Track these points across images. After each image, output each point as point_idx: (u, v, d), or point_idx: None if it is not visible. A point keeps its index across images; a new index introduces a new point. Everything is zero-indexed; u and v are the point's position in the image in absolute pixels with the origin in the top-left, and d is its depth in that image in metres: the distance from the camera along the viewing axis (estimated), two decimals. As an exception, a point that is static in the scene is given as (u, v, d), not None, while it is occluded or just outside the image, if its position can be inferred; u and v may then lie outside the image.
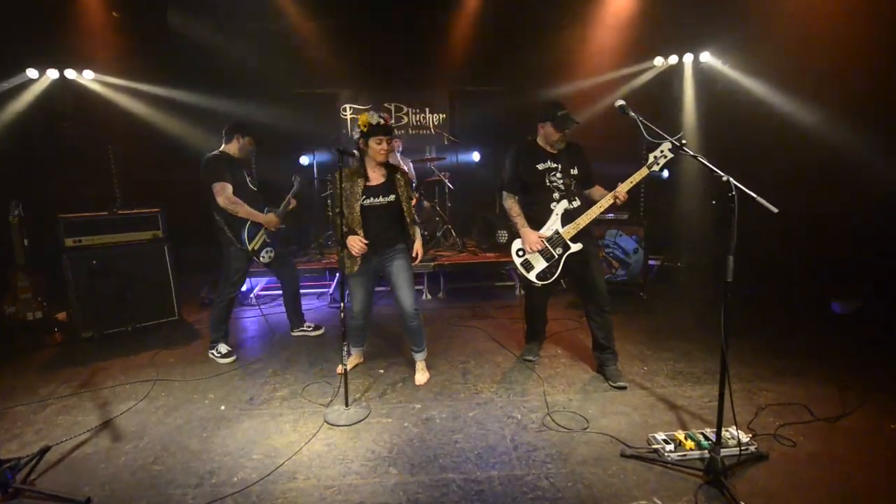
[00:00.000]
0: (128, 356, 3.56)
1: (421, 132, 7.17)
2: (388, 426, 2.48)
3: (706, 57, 5.46)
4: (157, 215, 4.21)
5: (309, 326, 3.90)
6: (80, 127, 5.54)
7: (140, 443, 2.39)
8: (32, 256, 4.15)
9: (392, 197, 2.79)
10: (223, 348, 3.45)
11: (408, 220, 2.85)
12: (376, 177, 2.81)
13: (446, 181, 5.83)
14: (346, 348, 2.60)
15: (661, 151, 2.51)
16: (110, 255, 3.92)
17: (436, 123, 7.09)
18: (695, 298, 4.63)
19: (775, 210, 1.69)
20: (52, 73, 5.32)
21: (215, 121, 6.18)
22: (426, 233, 5.66)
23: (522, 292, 5.12)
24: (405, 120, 7.15)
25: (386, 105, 7.07)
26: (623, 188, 2.60)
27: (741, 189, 1.74)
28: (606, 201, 2.65)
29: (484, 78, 6.84)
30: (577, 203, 2.78)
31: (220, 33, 5.80)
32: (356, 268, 2.82)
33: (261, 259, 3.39)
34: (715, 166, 1.79)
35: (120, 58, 5.56)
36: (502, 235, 5.42)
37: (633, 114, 2.09)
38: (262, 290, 5.34)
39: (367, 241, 2.71)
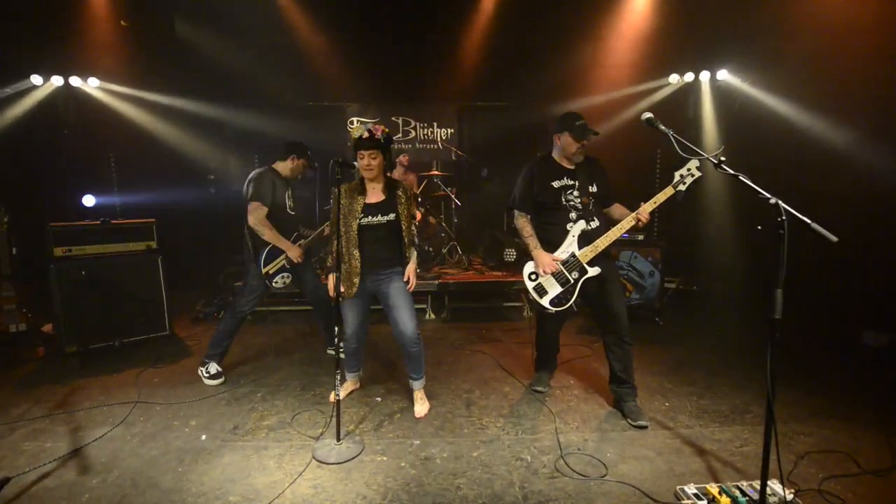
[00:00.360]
0: (111, 374, 3.35)
1: (428, 147, 7.04)
2: (383, 466, 2.24)
3: (724, 74, 5.30)
4: (151, 226, 4.05)
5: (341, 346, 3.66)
6: (83, 135, 5.46)
7: (108, 477, 2.16)
8: (24, 266, 4.01)
9: (392, 216, 2.59)
10: (213, 368, 3.24)
11: (405, 240, 2.65)
12: (376, 193, 2.62)
13: (453, 197, 5.66)
14: (339, 376, 2.37)
15: (689, 170, 2.31)
16: (101, 265, 3.75)
17: (443, 138, 6.96)
18: (714, 325, 4.37)
19: (834, 239, 1.47)
20: (57, 80, 5.25)
21: (221, 131, 6.14)
22: (430, 249, 5.47)
23: (531, 314, 4.90)
24: (412, 134, 7.04)
25: (393, 119, 6.97)
26: (646, 208, 2.39)
27: (792, 214, 1.52)
28: (627, 222, 2.44)
29: (493, 93, 6.73)
30: (595, 223, 2.57)
31: (229, 44, 5.74)
32: (353, 290, 2.62)
33: (273, 284, 3.20)
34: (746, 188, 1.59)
35: (126, 66, 5.49)
36: (510, 254, 5.21)
37: (662, 127, 1.89)
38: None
39: (340, 294, 2.52)
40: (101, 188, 5.61)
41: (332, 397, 2.75)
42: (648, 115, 2.00)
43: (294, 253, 3.16)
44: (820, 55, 4.04)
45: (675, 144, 1.74)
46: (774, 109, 4.57)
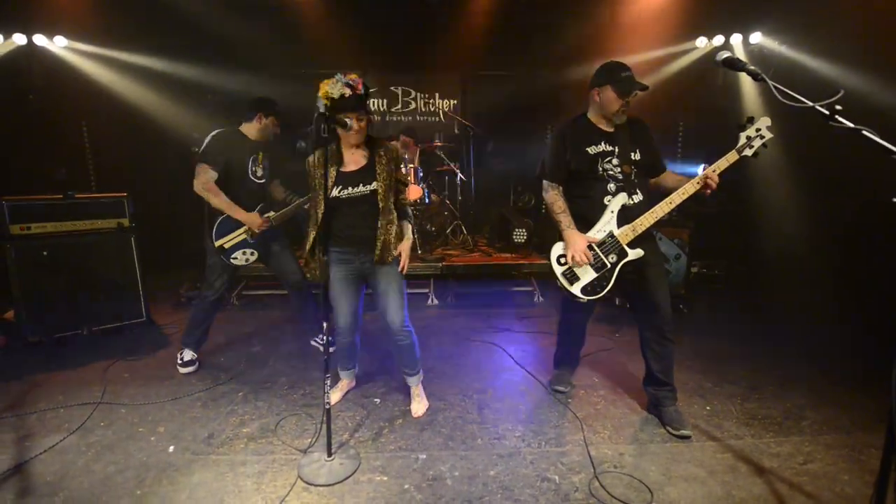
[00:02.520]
0: (75, 368, 2.97)
1: (430, 119, 6.56)
2: (383, 487, 1.87)
3: (758, 37, 4.80)
4: (122, 200, 3.62)
5: (322, 338, 3.23)
6: (51, 100, 4.95)
7: (52, 501, 1.79)
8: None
9: (374, 185, 2.16)
10: (187, 355, 2.92)
11: (389, 212, 2.18)
12: (355, 159, 2.19)
13: (457, 172, 5.21)
14: (328, 383, 1.98)
15: (758, 130, 1.89)
16: (65, 245, 3.35)
17: (446, 109, 6.47)
18: (745, 314, 4.00)
19: None
20: (19, 39, 4.73)
21: (203, 96, 5.62)
22: (433, 228, 5.05)
23: (542, 299, 4.53)
24: (413, 105, 6.54)
25: (392, 89, 6.47)
26: (708, 176, 1.97)
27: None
28: (679, 196, 2.03)
29: (500, 61, 6.18)
30: (638, 197, 2.15)
31: (214, 2, 5.17)
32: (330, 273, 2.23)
33: (232, 261, 2.79)
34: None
35: (97, 23, 4.94)
36: (519, 234, 4.81)
37: (752, 67, 1.46)
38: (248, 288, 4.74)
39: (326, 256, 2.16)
40: (73, 159, 5.15)
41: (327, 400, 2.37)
42: (726, 54, 1.56)
43: (254, 221, 2.75)
44: (878, 7, 3.55)
45: (774, 90, 1.31)
46: (821, 74, 4.08)
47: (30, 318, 3.24)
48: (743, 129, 1.93)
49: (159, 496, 1.82)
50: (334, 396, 2.53)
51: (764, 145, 1.92)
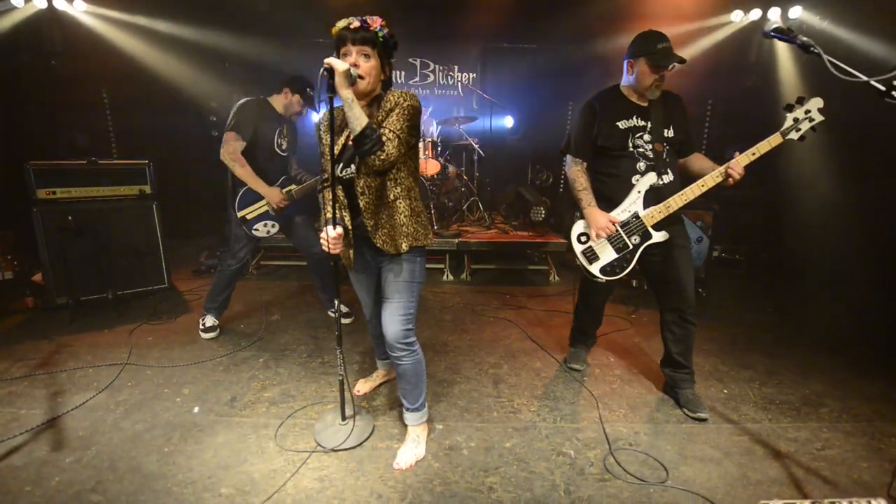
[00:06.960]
0: (101, 330, 3.07)
1: (448, 93, 6.43)
2: (401, 455, 1.92)
3: (797, 12, 4.55)
4: (144, 168, 3.65)
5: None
6: (72, 65, 4.96)
7: (84, 455, 1.87)
8: (4, 209, 3.67)
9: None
10: (209, 321, 3.00)
11: (391, 188, 1.67)
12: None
13: (476, 146, 5.14)
14: (340, 355, 1.95)
15: (808, 112, 1.80)
16: (89, 210, 3.41)
17: (465, 83, 6.33)
18: (765, 299, 3.93)
19: None
20: (39, 2, 4.70)
21: (221, 64, 5.57)
22: (450, 203, 5.02)
23: (558, 278, 4.51)
24: (431, 78, 6.41)
25: (410, 60, 6.34)
26: (742, 161, 1.90)
27: None
28: (713, 178, 1.96)
29: (522, 33, 5.99)
30: (668, 177, 2.08)
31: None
32: (349, 261, 1.88)
33: (253, 232, 2.83)
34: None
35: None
36: (537, 212, 4.75)
37: (804, 38, 1.38)
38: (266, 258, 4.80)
39: (340, 236, 1.71)
40: (94, 125, 5.19)
41: (356, 389, 2.38)
42: (776, 23, 1.48)
43: (274, 197, 2.77)
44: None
45: (828, 63, 1.24)
46: (868, 52, 3.85)
47: (57, 281, 3.33)
48: (790, 109, 1.84)
49: (185, 454, 1.88)
50: (364, 387, 2.37)
51: (813, 129, 1.83)
